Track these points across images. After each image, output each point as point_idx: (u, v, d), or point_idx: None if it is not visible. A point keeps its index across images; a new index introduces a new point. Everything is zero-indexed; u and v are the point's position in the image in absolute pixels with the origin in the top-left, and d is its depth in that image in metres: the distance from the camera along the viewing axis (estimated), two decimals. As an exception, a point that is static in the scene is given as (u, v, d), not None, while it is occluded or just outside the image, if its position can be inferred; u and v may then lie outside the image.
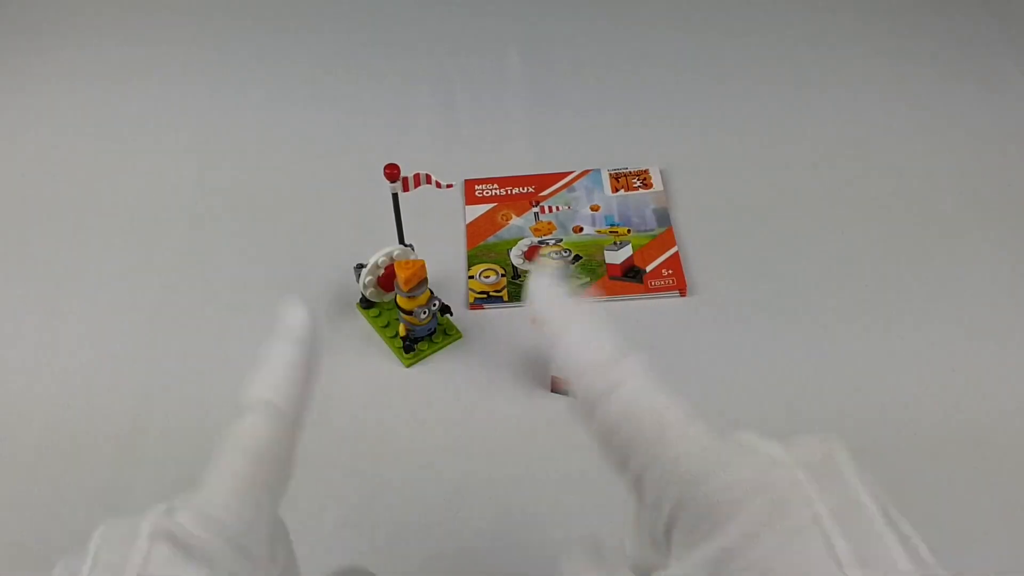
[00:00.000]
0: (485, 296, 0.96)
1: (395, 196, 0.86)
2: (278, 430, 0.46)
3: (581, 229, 1.03)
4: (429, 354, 0.91)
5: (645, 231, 1.02)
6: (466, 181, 1.09)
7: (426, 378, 0.89)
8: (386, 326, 0.92)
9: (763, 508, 0.37)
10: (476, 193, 1.07)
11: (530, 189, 1.07)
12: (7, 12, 1.34)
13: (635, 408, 0.46)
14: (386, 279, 0.92)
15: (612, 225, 1.03)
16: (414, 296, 0.86)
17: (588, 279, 0.97)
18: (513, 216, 1.05)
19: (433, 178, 0.85)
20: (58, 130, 1.17)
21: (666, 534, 0.42)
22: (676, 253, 0.99)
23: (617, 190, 1.07)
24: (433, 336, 0.91)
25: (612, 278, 0.97)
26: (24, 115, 1.20)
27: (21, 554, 0.77)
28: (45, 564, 0.77)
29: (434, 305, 0.88)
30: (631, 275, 0.97)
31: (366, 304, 0.94)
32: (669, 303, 0.95)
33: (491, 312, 0.95)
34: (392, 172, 0.83)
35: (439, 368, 0.90)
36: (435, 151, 1.13)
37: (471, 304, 0.96)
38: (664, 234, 1.01)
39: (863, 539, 0.36)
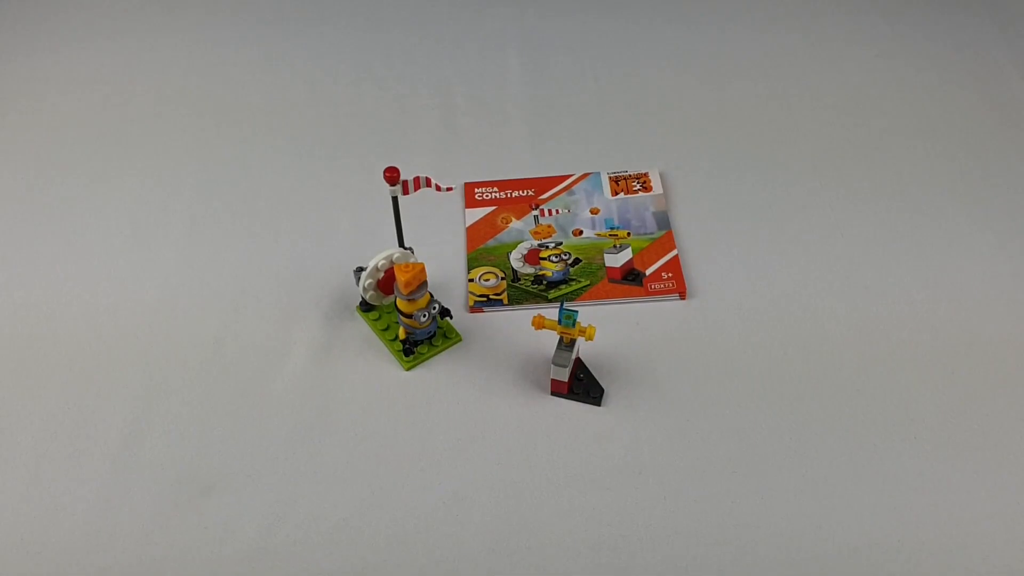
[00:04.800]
0: (485, 299, 0.96)
1: (395, 199, 0.86)
2: None
3: (581, 232, 1.03)
4: (429, 357, 0.91)
5: (645, 234, 1.02)
6: (466, 184, 1.09)
7: (426, 381, 0.89)
8: (386, 329, 0.92)
9: None
10: (476, 196, 1.07)
11: (530, 192, 1.07)
12: (7, 12, 1.34)
13: None
14: (386, 282, 0.92)
15: (612, 228, 1.03)
16: (414, 299, 0.86)
17: (587, 282, 0.97)
18: (513, 219, 1.05)
19: (433, 181, 0.85)
20: (60, 130, 1.17)
21: None
22: (676, 256, 0.99)
23: (617, 193, 1.07)
24: (433, 339, 0.91)
25: (612, 281, 0.97)
26: (24, 115, 1.20)
27: (21, 555, 0.77)
28: (46, 565, 0.77)
29: (434, 308, 0.88)
30: (631, 278, 0.97)
31: (366, 307, 0.94)
32: (669, 306, 0.95)
33: (491, 315, 0.95)
34: (392, 175, 0.83)
35: (439, 371, 0.90)
36: (435, 154, 1.13)
37: (471, 307, 0.96)
38: (664, 237, 1.01)
39: None
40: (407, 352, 0.90)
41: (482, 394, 0.88)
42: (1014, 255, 0.98)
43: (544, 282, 0.97)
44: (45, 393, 0.89)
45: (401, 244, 0.90)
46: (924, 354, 0.89)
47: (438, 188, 0.85)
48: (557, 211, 1.05)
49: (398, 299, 0.87)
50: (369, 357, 0.91)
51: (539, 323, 0.84)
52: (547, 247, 1.01)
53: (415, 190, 0.85)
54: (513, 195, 1.07)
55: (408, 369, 0.90)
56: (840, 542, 0.76)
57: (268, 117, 1.18)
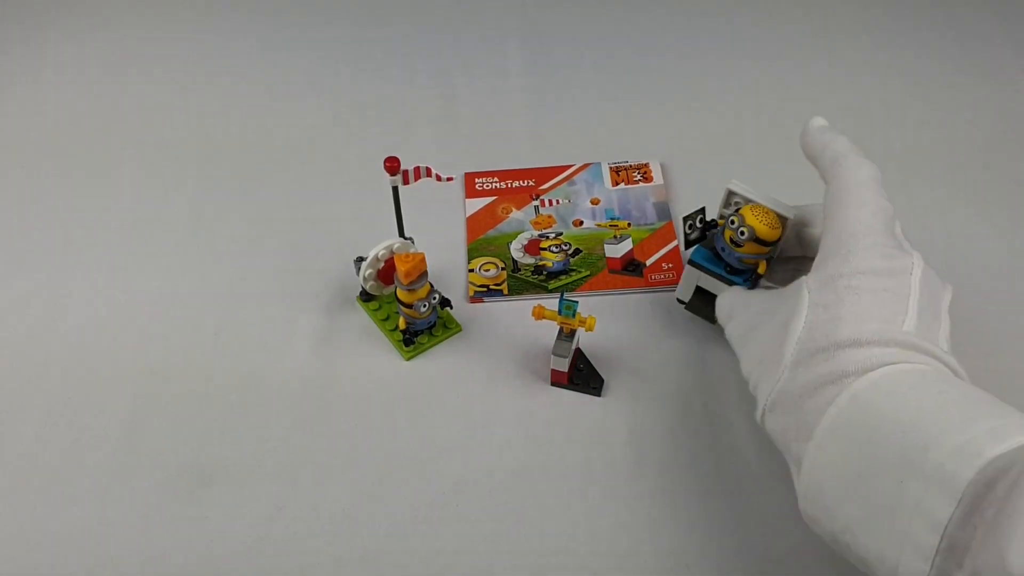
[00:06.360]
0: (485, 289, 0.96)
1: (395, 189, 0.86)
2: None
3: (581, 223, 1.02)
4: (429, 347, 0.91)
5: (645, 225, 1.02)
6: (466, 174, 1.09)
7: (426, 371, 0.89)
8: (386, 319, 0.92)
9: None
10: (476, 186, 1.07)
11: (530, 182, 1.07)
12: (7, 7, 1.34)
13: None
14: (386, 272, 0.91)
15: (612, 219, 1.03)
16: (414, 289, 0.86)
17: (588, 273, 0.97)
18: (513, 209, 1.04)
19: (433, 171, 0.85)
20: (57, 123, 1.17)
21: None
22: (676, 247, 0.99)
23: (617, 184, 1.06)
24: (433, 329, 0.91)
25: (612, 272, 0.97)
26: (22, 108, 1.19)
27: (20, 546, 0.77)
28: (47, 561, 0.77)
29: (434, 298, 0.88)
30: (631, 269, 0.97)
31: (366, 297, 0.94)
32: (669, 297, 0.95)
33: (491, 305, 0.95)
34: (392, 165, 0.83)
35: (439, 361, 0.90)
36: (435, 144, 1.12)
37: (471, 297, 0.96)
38: (664, 228, 1.01)
39: None
40: (407, 342, 0.90)
41: (482, 384, 0.88)
42: (1015, 244, 0.98)
43: (544, 272, 0.97)
44: (45, 384, 0.89)
45: (401, 234, 0.90)
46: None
47: (438, 178, 0.85)
48: (557, 201, 1.05)
49: (398, 289, 0.86)
50: (369, 347, 0.91)
51: (539, 313, 0.84)
52: (547, 237, 1.01)
53: (415, 180, 0.85)
54: (513, 185, 1.07)
55: (408, 359, 0.90)
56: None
57: (268, 106, 1.18)
